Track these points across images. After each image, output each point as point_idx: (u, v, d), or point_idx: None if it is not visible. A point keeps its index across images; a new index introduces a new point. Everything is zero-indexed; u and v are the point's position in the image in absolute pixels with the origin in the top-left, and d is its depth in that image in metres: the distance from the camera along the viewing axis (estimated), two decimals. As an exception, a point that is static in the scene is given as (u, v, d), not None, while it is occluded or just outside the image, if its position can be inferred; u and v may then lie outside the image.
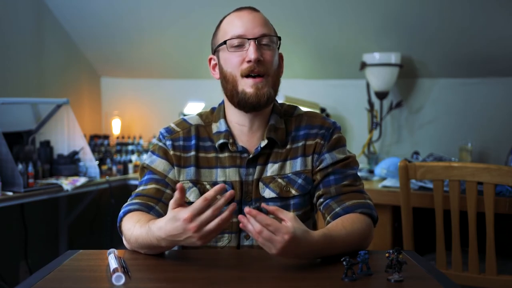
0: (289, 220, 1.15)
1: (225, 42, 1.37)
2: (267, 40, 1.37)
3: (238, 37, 1.36)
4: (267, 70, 1.36)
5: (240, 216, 1.13)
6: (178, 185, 1.17)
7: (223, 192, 1.16)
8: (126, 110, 3.91)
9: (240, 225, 1.14)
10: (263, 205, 1.18)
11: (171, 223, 1.15)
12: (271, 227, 1.11)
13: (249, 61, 1.34)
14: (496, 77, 3.11)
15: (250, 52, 1.34)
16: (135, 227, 1.27)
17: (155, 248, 1.24)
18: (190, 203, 1.41)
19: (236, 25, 1.37)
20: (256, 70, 1.35)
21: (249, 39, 1.35)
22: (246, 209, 1.12)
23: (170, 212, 1.17)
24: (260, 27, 1.37)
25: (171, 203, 1.17)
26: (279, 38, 1.42)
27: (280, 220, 1.16)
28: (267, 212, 1.18)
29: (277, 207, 1.17)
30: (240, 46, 1.36)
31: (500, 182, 1.98)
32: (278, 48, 1.43)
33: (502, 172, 1.98)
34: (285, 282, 1.11)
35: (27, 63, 3.28)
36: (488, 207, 2.01)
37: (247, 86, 1.36)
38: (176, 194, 1.16)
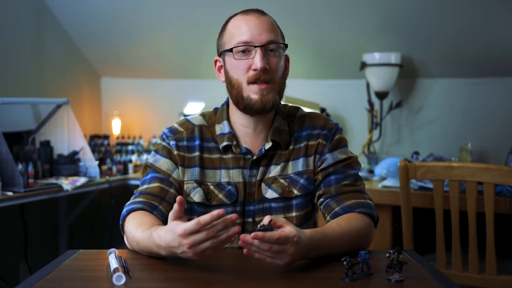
0: (285, 224, 1.14)
1: (231, 50, 1.37)
2: (274, 46, 1.37)
3: (245, 44, 1.35)
4: (272, 77, 1.36)
5: (244, 247, 1.10)
6: (178, 198, 1.14)
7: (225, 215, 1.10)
8: (126, 110, 3.91)
9: (245, 251, 1.11)
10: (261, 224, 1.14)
11: (170, 234, 1.13)
12: (280, 239, 1.10)
13: (255, 69, 1.34)
14: (496, 77, 3.11)
15: (257, 60, 1.34)
16: (137, 230, 1.26)
17: (156, 254, 1.22)
18: (195, 203, 1.42)
19: (242, 30, 1.36)
20: (262, 78, 1.35)
21: (255, 46, 1.35)
22: (249, 236, 1.08)
23: (169, 223, 1.15)
24: (267, 33, 1.36)
25: (170, 214, 1.15)
26: (286, 45, 1.42)
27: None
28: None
29: (270, 217, 1.14)
30: (246, 53, 1.36)
31: (500, 182, 1.98)
32: (285, 51, 1.43)
33: (502, 172, 1.98)
34: (285, 282, 1.11)
35: (27, 63, 3.28)
36: (488, 207, 2.01)
37: (252, 92, 1.36)
38: (175, 206, 1.14)
